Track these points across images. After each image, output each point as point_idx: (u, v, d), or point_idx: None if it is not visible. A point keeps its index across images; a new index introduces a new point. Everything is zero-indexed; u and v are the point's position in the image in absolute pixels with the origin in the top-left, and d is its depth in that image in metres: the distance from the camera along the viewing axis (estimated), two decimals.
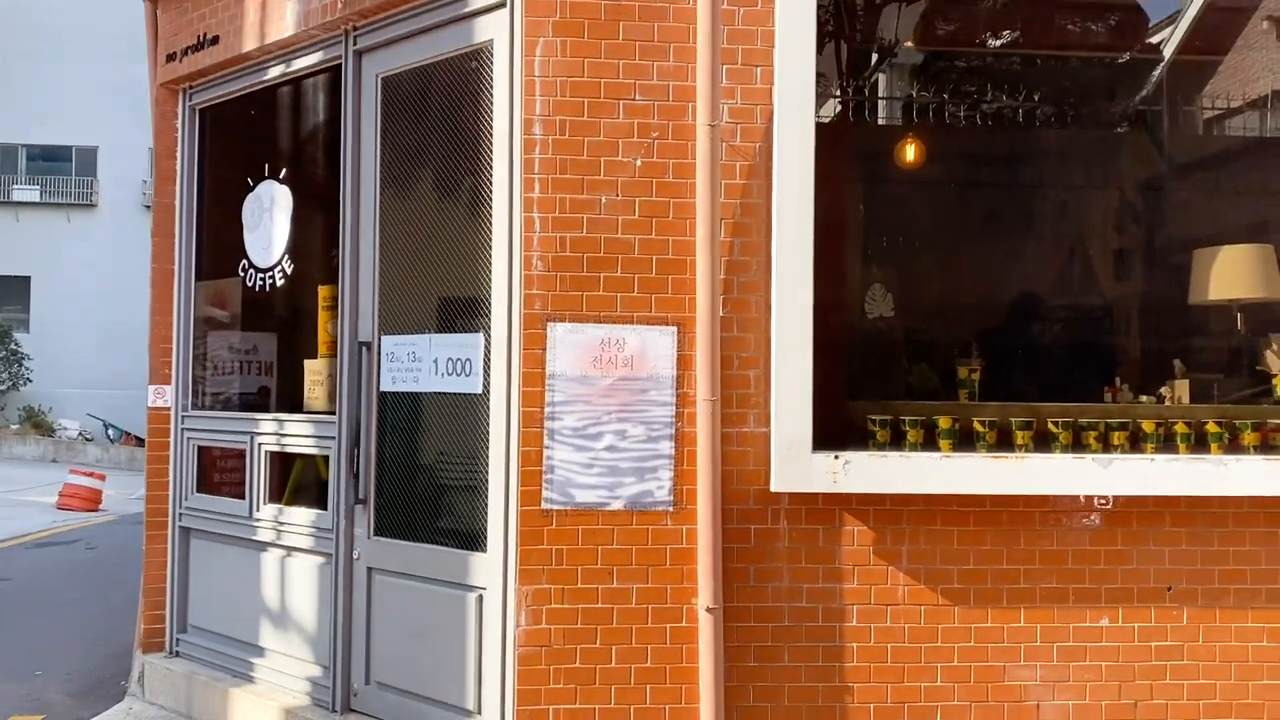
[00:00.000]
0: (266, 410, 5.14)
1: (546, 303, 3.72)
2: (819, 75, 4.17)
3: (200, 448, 5.28)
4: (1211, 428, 3.76)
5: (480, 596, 3.98)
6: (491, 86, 3.99)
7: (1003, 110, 4.12)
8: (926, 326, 4.30)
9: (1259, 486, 3.66)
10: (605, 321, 3.72)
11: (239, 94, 5.14)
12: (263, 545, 4.90)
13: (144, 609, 5.39)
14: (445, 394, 4.18)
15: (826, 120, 4.32)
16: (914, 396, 4.01)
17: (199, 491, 5.29)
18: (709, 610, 3.60)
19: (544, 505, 3.70)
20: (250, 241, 5.07)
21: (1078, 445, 3.74)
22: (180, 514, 5.31)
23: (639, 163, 3.73)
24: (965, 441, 3.75)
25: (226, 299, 5.34)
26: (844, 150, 4.09)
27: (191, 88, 5.36)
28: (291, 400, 5.02)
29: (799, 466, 3.59)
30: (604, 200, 3.72)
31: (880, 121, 4.53)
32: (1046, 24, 4.23)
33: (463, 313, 4.19)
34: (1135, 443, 3.76)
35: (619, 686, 3.67)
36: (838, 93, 4.40)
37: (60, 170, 27.70)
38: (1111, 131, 4.43)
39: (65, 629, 7.41)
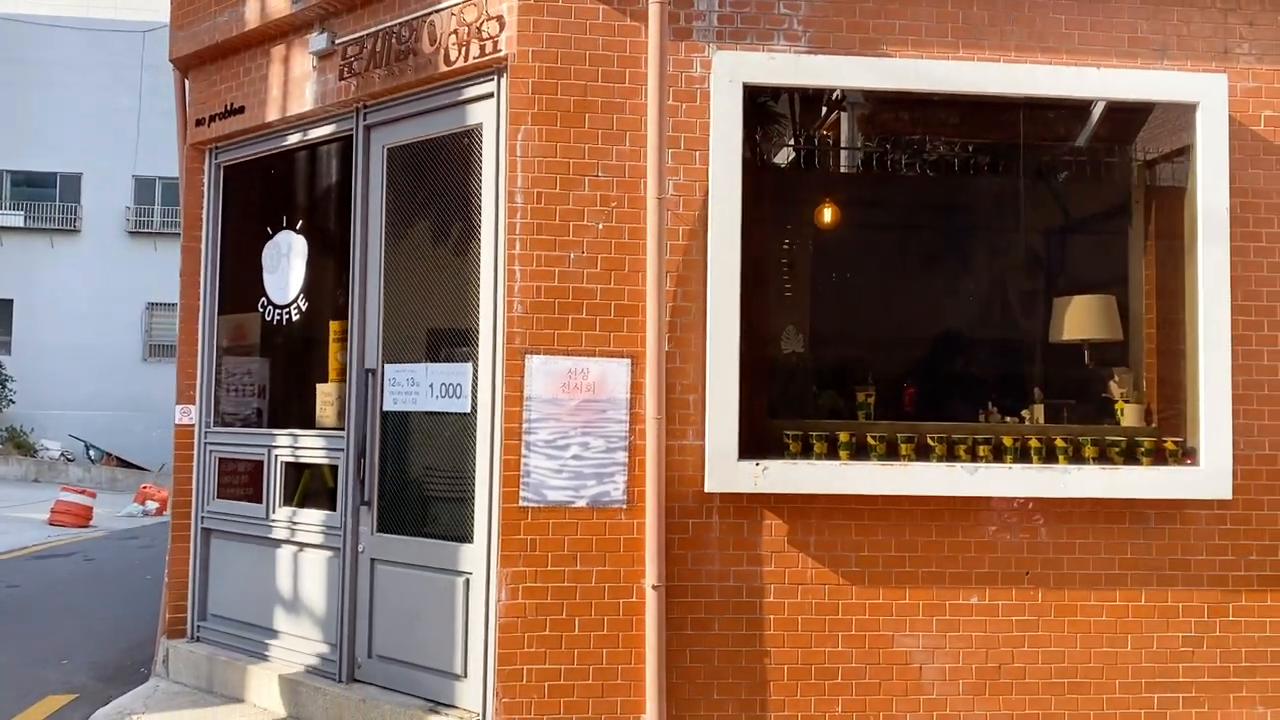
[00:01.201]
0: (278, 427, 5.93)
1: (525, 339, 4.58)
2: (778, 118, 5.05)
3: (220, 459, 6.08)
4: (1059, 443, 4.67)
5: (467, 580, 4.82)
6: (481, 161, 4.88)
7: (910, 156, 4.95)
8: (832, 359, 5.21)
9: (1095, 490, 4.58)
10: (573, 354, 4.59)
11: (260, 155, 5.99)
12: (277, 542, 5.70)
13: (168, 600, 6.16)
14: (439, 413, 5.03)
15: (783, 166, 5.15)
16: (821, 416, 4.88)
17: (218, 498, 6.08)
18: (654, 588, 4.45)
19: (521, 503, 4.55)
20: (269, 282, 5.91)
21: (952, 456, 4.63)
22: (202, 517, 6.10)
23: (601, 227, 4.61)
24: (861, 453, 4.63)
25: (246, 331, 6.16)
26: (767, 206, 4.97)
27: (217, 148, 6.20)
28: (302, 418, 5.82)
29: (727, 472, 4.46)
30: (572, 256, 4.60)
31: (796, 168, 5.26)
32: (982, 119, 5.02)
33: (454, 345, 5.05)
34: (998, 454, 4.65)
35: (580, 650, 4.51)
36: (791, 141, 5.22)
37: (44, 196, 28.21)
38: (1006, 178, 5.27)
39: (79, 627, 8.11)
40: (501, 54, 4.70)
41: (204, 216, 6.23)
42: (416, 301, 5.24)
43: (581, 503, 4.56)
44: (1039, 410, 4.91)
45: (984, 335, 5.32)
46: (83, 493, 15.67)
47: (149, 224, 28.26)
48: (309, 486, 5.79)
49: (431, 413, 5.07)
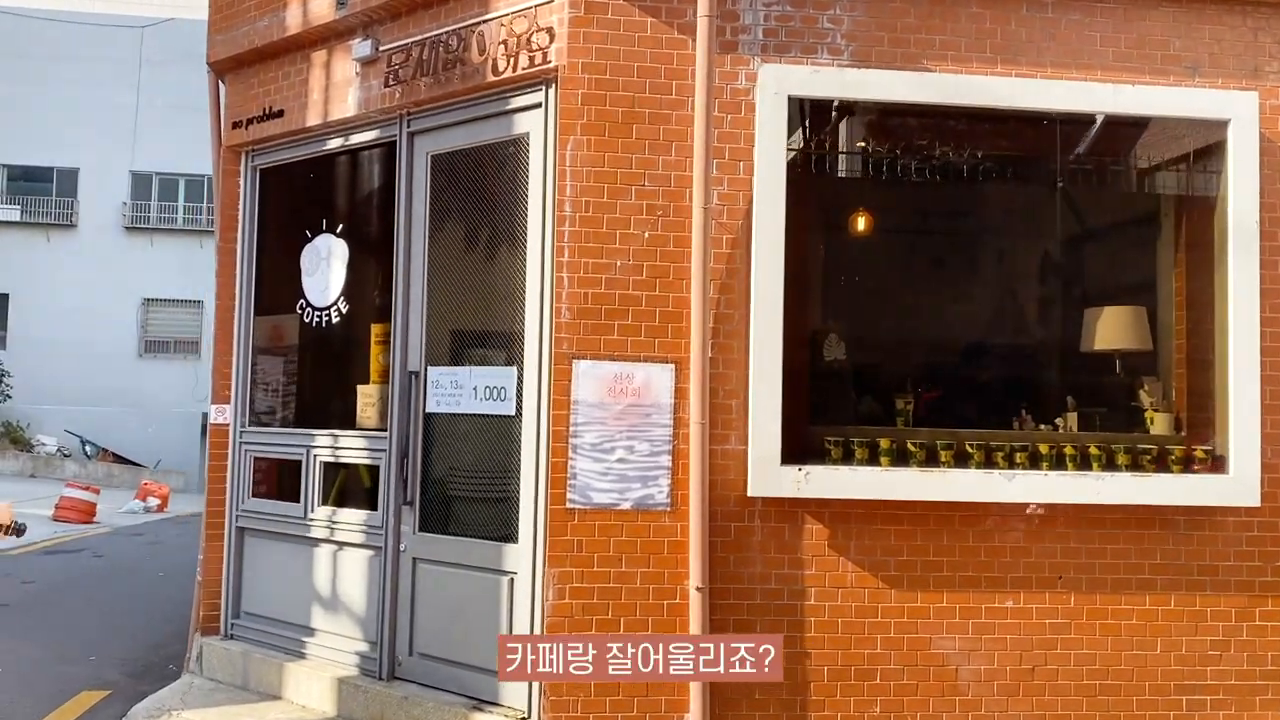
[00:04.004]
0: (316, 427, 5.98)
1: (572, 344, 4.67)
2: (821, 129, 5.10)
3: (255, 458, 6.15)
4: (1093, 450, 4.78)
5: (512, 579, 4.90)
6: (527, 169, 4.96)
7: (946, 167, 5.03)
8: (872, 366, 5.31)
9: (1128, 497, 4.69)
10: (618, 359, 4.68)
11: (299, 159, 6.05)
12: (315, 541, 5.77)
13: (202, 598, 6.21)
14: (482, 415, 5.11)
15: (826, 176, 5.19)
16: (862, 422, 4.99)
17: (253, 496, 6.15)
18: (698, 589, 4.54)
19: (568, 505, 4.63)
20: (308, 284, 5.98)
21: (989, 463, 4.73)
22: (236, 515, 6.16)
23: (647, 235, 4.70)
24: (901, 459, 4.73)
25: (283, 332, 6.23)
26: (811, 215, 5.06)
27: (254, 151, 6.26)
28: (341, 419, 5.88)
29: (770, 477, 4.56)
30: (618, 264, 4.69)
31: (840, 174, 5.28)
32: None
33: (497, 348, 5.14)
34: (1035, 461, 4.76)
35: None
36: (833, 151, 5.26)
37: (41, 190, 28.15)
38: (1039, 189, 5.37)
39: (99, 624, 8.17)
40: (551, 65, 4.78)
41: (240, 218, 6.28)
42: (459, 306, 5.32)
43: (626, 505, 4.65)
44: (1072, 418, 5.02)
45: (1018, 344, 5.45)
46: (87, 489, 15.70)
47: (145, 219, 28.25)
48: (343, 486, 5.86)
49: (474, 415, 5.15)
